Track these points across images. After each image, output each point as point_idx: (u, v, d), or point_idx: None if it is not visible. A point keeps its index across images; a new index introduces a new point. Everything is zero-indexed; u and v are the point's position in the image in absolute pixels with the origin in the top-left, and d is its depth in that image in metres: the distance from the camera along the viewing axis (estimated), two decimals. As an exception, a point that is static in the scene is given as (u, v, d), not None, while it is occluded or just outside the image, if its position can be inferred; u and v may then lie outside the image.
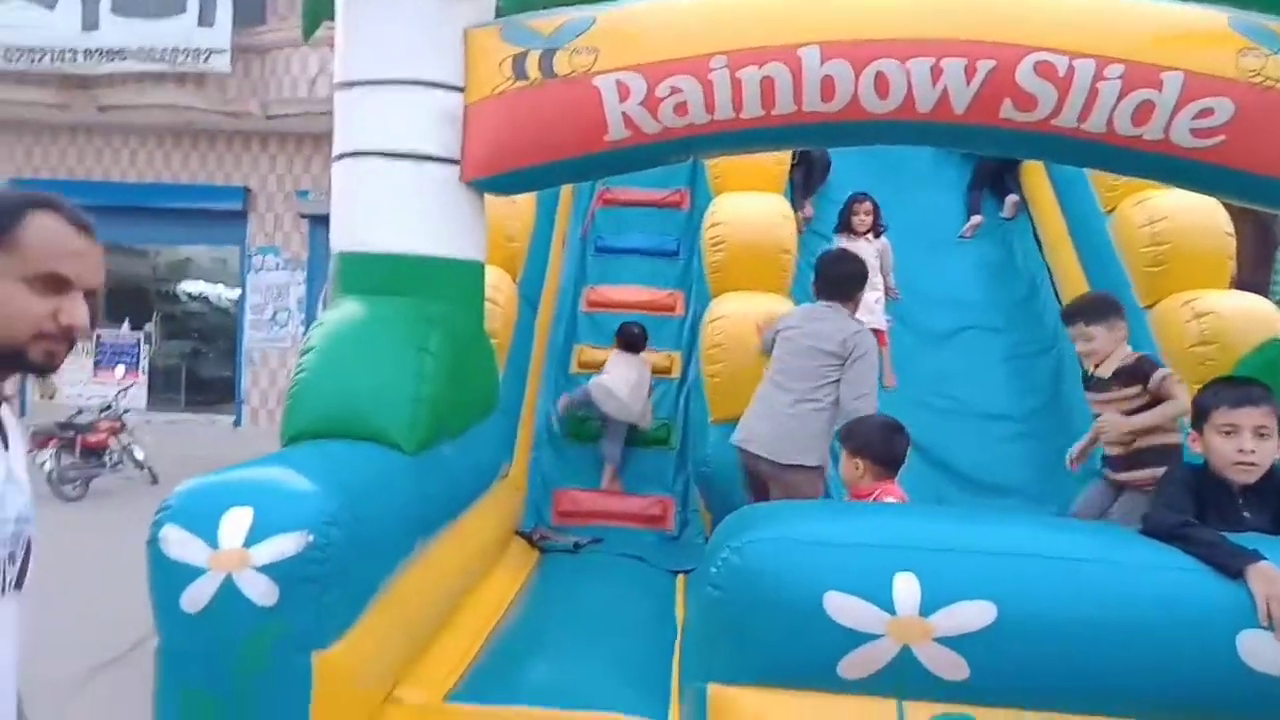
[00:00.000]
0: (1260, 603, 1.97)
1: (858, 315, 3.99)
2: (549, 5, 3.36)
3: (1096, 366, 3.52)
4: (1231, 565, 2.04)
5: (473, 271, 3.48)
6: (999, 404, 5.15)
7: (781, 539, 2.08)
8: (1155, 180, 4.11)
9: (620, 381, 5.02)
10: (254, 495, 2.18)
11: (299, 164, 12.10)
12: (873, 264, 5.24)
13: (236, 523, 2.10)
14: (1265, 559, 2.01)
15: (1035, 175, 5.97)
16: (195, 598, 2.07)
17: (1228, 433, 2.25)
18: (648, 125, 3.19)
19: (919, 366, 5.33)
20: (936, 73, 3.05)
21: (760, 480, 3.82)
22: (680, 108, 3.16)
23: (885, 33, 3.08)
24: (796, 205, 5.79)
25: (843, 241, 5.40)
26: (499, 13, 3.40)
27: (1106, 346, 3.46)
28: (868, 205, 5.52)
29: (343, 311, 3.12)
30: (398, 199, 3.25)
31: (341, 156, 3.34)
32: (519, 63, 3.20)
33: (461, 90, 3.26)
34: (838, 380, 3.62)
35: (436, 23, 3.23)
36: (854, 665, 2.01)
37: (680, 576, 4.07)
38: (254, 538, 2.09)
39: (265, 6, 11.51)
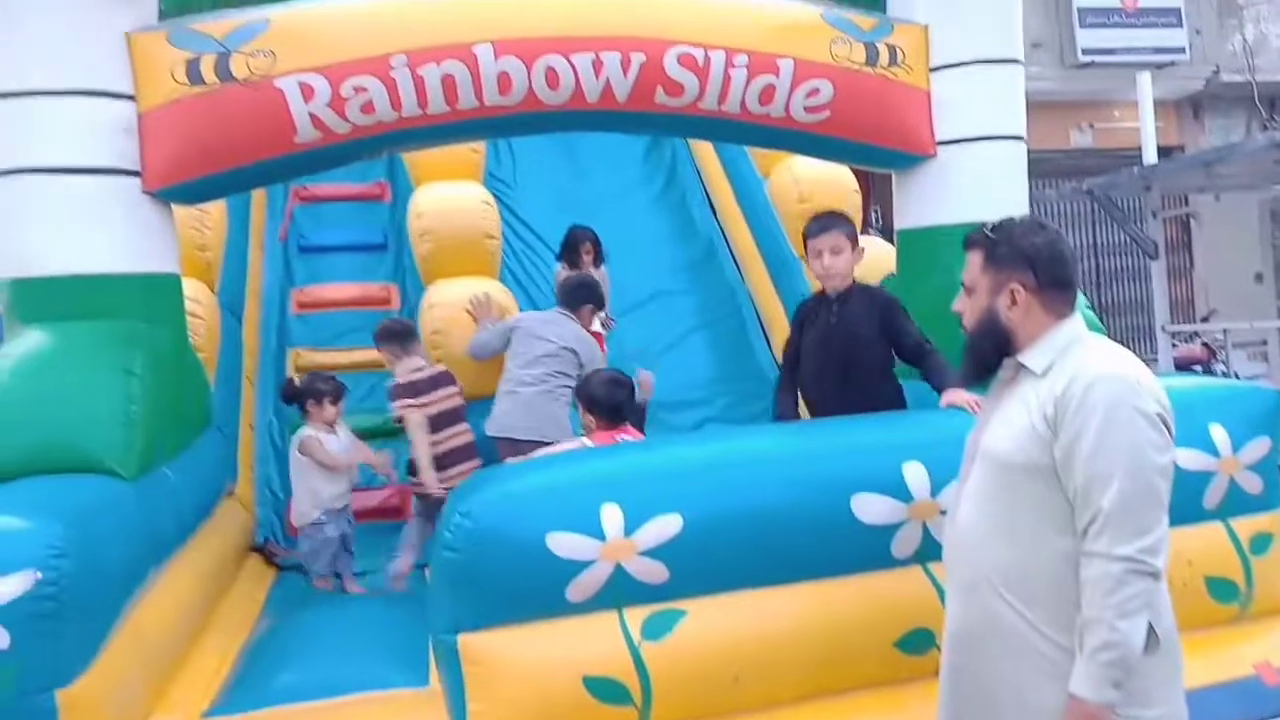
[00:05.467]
0: None
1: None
2: (215, 6, 3.33)
3: None
4: None
5: (168, 285, 3.39)
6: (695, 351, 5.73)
7: (503, 496, 2.34)
8: (785, 150, 4.81)
9: None
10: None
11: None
12: None
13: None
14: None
15: (705, 147, 6.60)
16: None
17: (818, 255, 3.12)
18: (337, 125, 3.28)
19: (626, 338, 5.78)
20: (598, 66, 3.39)
21: None
22: (367, 106, 3.27)
23: (550, 30, 3.37)
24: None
25: (566, 270, 5.68)
26: (161, 16, 3.31)
27: None
28: (588, 245, 5.68)
29: (27, 341, 2.95)
30: (71, 217, 3.07)
31: (-7, 175, 3.09)
32: (193, 68, 3.16)
33: (132, 98, 3.15)
34: (569, 374, 4.14)
35: (94, 27, 3.07)
36: (579, 589, 2.33)
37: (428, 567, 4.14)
38: (-24, 584, 2.02)
39: None
